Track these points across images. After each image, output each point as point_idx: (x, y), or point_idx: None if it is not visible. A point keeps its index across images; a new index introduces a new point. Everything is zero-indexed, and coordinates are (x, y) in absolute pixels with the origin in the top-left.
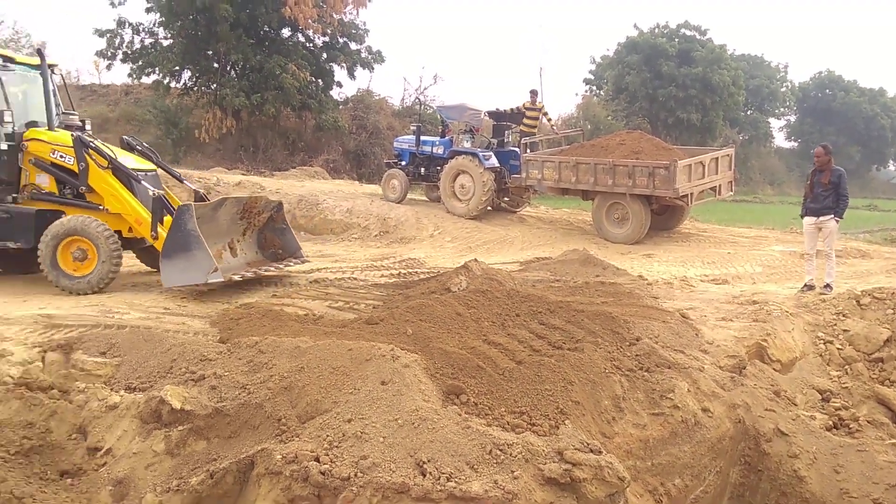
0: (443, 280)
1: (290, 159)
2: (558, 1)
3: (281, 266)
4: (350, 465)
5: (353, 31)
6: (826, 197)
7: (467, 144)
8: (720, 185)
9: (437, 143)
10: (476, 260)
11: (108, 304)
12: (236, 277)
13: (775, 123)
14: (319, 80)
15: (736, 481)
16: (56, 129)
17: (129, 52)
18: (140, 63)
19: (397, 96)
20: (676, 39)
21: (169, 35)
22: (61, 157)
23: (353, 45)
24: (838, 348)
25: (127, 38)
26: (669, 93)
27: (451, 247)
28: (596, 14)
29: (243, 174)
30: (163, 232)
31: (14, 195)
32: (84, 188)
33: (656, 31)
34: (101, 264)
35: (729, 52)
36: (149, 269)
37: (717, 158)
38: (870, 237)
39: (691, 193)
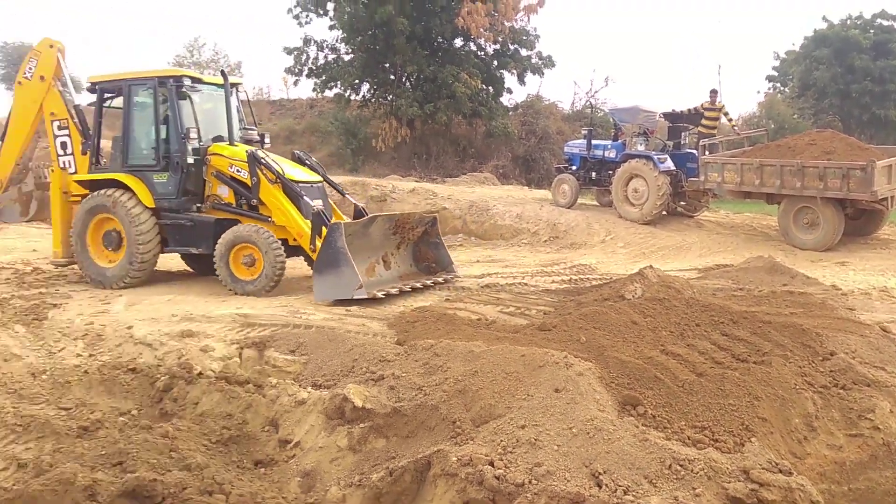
0: (616, 287)
1: (460, 166)
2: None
3: (429, 281)
4: (524, 472)
5: (524, 38)
6: None
7: (641, 147)
8: None
9: (609, 146)
10: (651, 267)
11: (295, 305)
12: (380, 294)
13: None
14: (490, 88)
15: None
16: (236, 143)
17: (314, 67)
18: (323, 78)
19: (567, 101)
20: (871, 31)
21: (350, 50)
22: (237, 171)
23: (524, 52)
24: None
25: (312, 54)
26: (864, 88)
27: (623, 253)
28: (779, 7)
29: (416, 181)
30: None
31: (199, 205)
32: (256, 201)
33: (848, 22)
34: (266, 270)
35: None
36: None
37: None
38: None
39: (892, 196)
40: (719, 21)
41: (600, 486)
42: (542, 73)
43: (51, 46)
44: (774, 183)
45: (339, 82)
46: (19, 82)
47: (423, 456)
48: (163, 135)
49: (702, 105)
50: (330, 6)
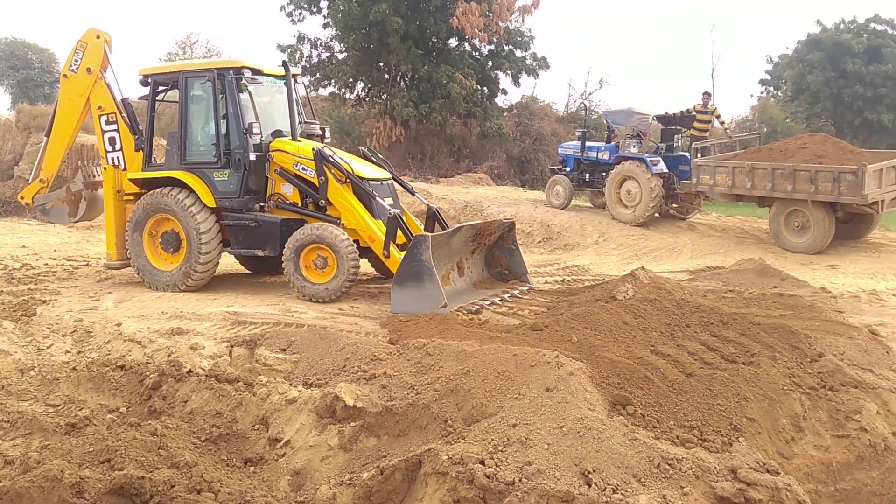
0: (608, 288)
1: (455, 166)
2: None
3: (506, 295)
4: (515, 470)
5: (519, 39)
6: None
7: (634, 149)
8: None
9: (603, 148)
10: (643, 268)
11: (287, 303)
12: (469, 310)
13: None
14: (485, 88)
15: None
16: (299, 139)
17: (308, 65)
18: (317, 76)
19: (562, 102)
20: (865, 35)
21: (344, 49)
22: (303, 169)
23: (519, 53)
24: None
25: (306, 52)
26: (856, 92)
27: (616, 254)
28: (773, 11)
29: (411, 181)
30: (395, 252)
31: (261, 204)
32: (324, 201)
33: (842, 26)
34: (339, 274)
35: None
36: (379, 276)
37: None
38: None
39: (882, 200)
40: (713, 24)
41: (590, 485)
42: (537, 75)
43: (97, 37)
44: (766, 186)
45: (333, 81)
46: (65, 75)
47: (414, 454)
48: (223, 130)
49: (694, 107)
50: (324, 4)
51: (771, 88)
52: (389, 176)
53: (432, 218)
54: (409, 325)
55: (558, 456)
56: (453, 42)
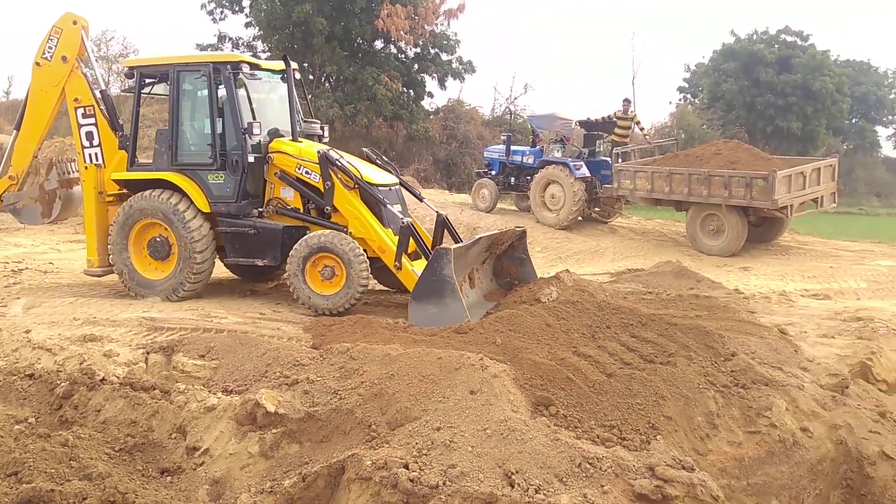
0: (533, 290)
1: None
2: (652, 8)
3: None
4: (438, 474)
5: (445, 42)
6: None
7: (558, 154)
8: (822, 197)
9: (528, 152)
10: (567, 271)
11: (207, 308)
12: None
13: (883, 132)
14: (411, 91)
15: None
16: (300, 139)
17: None
18: None
19: (488, 106)
20: (776, 46)
21: (267, 48)
22: (306, 172)
23: (445, 56)
24: None
25: (227, 52)
26: (768, 101)
27: (541, 257)
28: (690, 21)
29: None
30: (408, 264)
31: (259, 209)
32: (329, 208)
33: (754, 37)
34: (348, 284)
35: (833, 58)
36: (381, 287)
37: (818, 169)
38: None
39: (791, 205)
40: (634, 33)
41: (513, 486)
42: (463, 78)
43: (74, 23)
44: (683, 190)
45: None
46: (37, 63)
47: (337, 460)
48: (219, 129)
49: (615, 114)
50: (246, 3)
51: (688, 96)
52: (397, 181)
53: (441, 226)
54: (332, 330)
55: (482, 458)
56: (379, 44)
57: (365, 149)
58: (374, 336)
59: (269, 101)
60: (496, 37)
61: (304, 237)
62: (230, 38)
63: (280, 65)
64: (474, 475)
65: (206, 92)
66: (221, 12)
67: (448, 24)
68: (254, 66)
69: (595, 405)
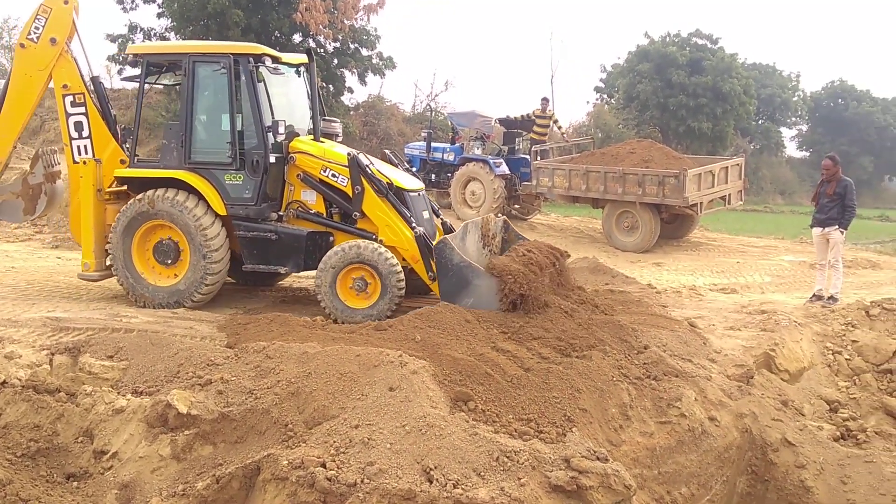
0: None
1: None
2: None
3: None
4: (356, 472)
5: (365, 38)
6: (831, 208)
7: (478, 151)
8: (730, 195)
9: (448, 149)
10: None
11: (116, 307)
12: None
13: (787, 133)
14: (330, 86)
15: (743, 491)
16: (322, 140)
17: None
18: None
19: (409, 102)
20: (687, 48)
21: (180, 40)
22: (333, 175)
23: (365, 52)
24: (847, 359)
25: (138, 43)
26: (680, 102)
27: None
28: (607, 22)
29: None
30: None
31: (279, 213)
32: (357, 214)
33: (667, 39)
34: (383, 296)
35: (740, 61)
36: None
37: (727, 168)
38: (881, 248)
39: (701, 202)
40: (552, 33)
41: (431, 482)
42: (383, 74)
43: (65, 2)
44: (599, 188)
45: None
46: (22, 45)
47: (252, 461)
48: (238, 126)
49: (533, 112)
50: None
51: (605, 96)
52: (422, 187)
53: (448, 231)
54: (248, 328)
55: (400, 455)
56: (297, 38)
57: (386, 150)
58: (291, 334)
59: (286, 96)
60: (417, 33)
61: (339, 247)
62: (142, 29)
63: (302, 58)
64: (393, 472)
65: (224, 85)
66: (133, 2)
67: (368, 19)
68: (276, 60)
69: (513, 399)
